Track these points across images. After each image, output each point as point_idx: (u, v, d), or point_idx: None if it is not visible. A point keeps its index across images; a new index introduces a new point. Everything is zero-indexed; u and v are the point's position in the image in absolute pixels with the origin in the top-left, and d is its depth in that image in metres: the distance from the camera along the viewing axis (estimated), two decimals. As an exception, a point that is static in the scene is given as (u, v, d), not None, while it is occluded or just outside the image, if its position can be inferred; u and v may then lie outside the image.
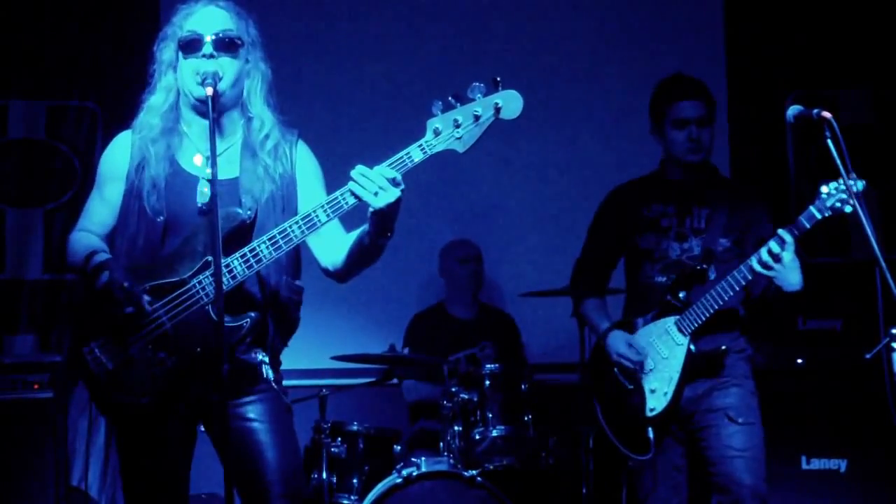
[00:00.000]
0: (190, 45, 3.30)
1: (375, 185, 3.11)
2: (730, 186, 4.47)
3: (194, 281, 3.20)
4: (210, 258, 3.18)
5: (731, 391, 4.20)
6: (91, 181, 3.53)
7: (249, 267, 3.20)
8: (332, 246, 3.40)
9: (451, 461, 4.87)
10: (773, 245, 3.94)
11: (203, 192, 3.29)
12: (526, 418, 5.06)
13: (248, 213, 3.29)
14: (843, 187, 3.81)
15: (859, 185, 3.58)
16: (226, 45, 3.30)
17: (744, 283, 4.05)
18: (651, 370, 4.24)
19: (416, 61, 6.35)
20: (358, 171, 3.13)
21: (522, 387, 5.11)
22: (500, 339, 5.79)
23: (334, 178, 3.35)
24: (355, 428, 5.04)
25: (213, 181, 3.10)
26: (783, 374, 5.24)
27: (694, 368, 4.19)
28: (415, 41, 6.43)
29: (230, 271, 3.17)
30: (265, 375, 3.35)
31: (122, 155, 3.40)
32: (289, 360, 3.47)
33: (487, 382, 5.08)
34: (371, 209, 3.15)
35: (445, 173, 5.86)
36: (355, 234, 3.31)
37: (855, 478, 5.16)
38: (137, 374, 3.20)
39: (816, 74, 6.35)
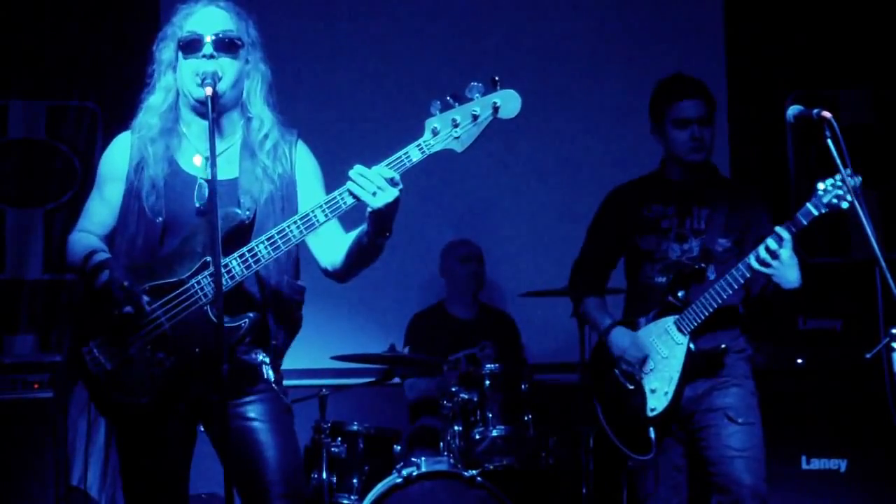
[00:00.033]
0: (190, 46, 3.30)
1: (374, 184, 3.11)
2: (730, 186, 4.47)
3: (193, 281, 3.20)
4: (209, 258, 3.18)
5: (730, 391, 4.20)
6: (91, 181, 3.53)
7: (248, 267, 3.20)
8: (331, 246, 3.40)
9: (451, 461, 4.87)
10: (771, 242, 3.95)
11: (201, 193, 3.29)
12: (526, 418, 5.06)
13: (247, 213, 3.29)
14: (839, 184, 3.82)
15: (856, 180, 3.58)
16: (226, 45, 3.30)
17: (742, 281, 4.05)
18: (651, 370, 4.24)
19: (416, 61, 6.35)
20: (356, 170, 3.14)
21: (522, 387, 5.11)
22: (500, 339, 5.79)
23: (333, 177, 3.35)
24: (355, 428, 5.04)
25: (212, 181, 3.10)
26: (783, 374, 5.24)
27: (694, 368, 4.19)
28: (414, 41, 6.43)
29: (228, 271, 3.17)
30: (265, 376, 3.35)
31: (122, 155, 3.40)
32: (289, 360, 3.47)
33: (487, 382, 5.08)
34: (369, 209, 3.15)
35: (445, 173, 5.86)
36: (354, 233, 3.31)
37: (855, 478, 5.16)
38: (136, 374, 3.20)
39: (816, 74, 6.36)
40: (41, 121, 6.13)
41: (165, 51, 3.37)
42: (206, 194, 3.25)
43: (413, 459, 4.83)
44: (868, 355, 3.39)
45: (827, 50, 6.33)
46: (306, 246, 3.40)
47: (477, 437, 4.99)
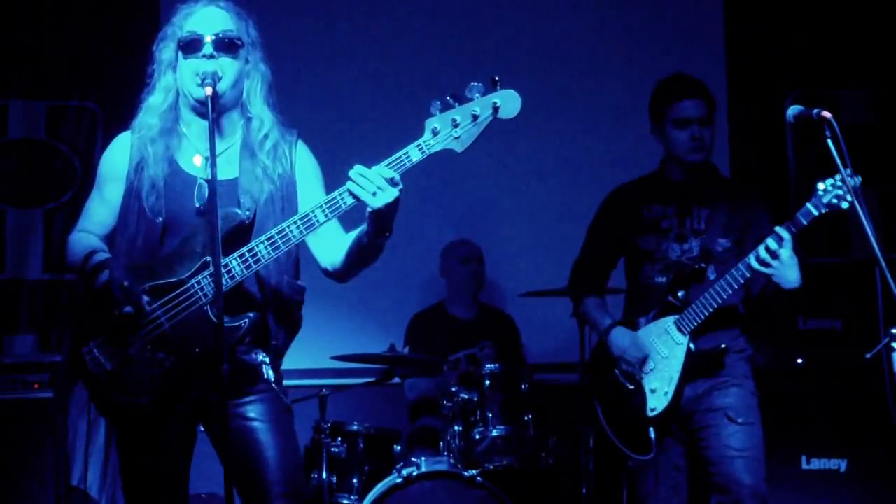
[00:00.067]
0: (190, 46, 3.30)
1: (374, 184, 3.11)
2: (730, 186, 4.47)
3: (193, 281, 3.20)
4: (208, 258, 3.18)
5: (730, 391, 4.20)
6: (91, 181, 3.53)
7: (248, 267, 3.20)
8: (331, 246, 3.40)
9: (451, 461, 4.87)
10: (771, 242, 3.95)
11: (201, 193, 3.29)
12: (526, 418, 5.06)
13: (247, 213, 3.28)
14: (839, 184, 3.82)
15: (856, 180, 3.58)
16: (226, 45, 3.30)
17: (742, 281, 4.05)
18: (651, 370, 4.24)
19: (416, 61, 6.35)
20: (356, 170, 3.13)
21: (522, 387, 5.11)
22: (500, 339, 5.79)
23: (333, 177, 3.35)
24: (355, 428, 5.04)
25: (212, 181, 3.10)
26: (783, 374, 5.24)
27: (694, 367, 4.19)
28: (414, 41, 6.43)
29: (228, 271, 3.17)
30: (265, 376, 3.35)
31: (122, 155, 3.40)
32: (289, 360, 3.47)
33: (487, 382, 5.08)
34: (369, 209, 3.15)
35: (445, 174, 5.86)
36: (354, 233, 3.31)
37: (855, 478, 5.16)
38: (136, 375, 3.20)
39: (816, 74, 6.36)
40: (41, 121, 6.13)
41: (165, 51, 3.37)
42: (206, 194, 3.25)
43: (413, 459, 4.84)
44: (868, 355, 3.39)
45: (827, 50, 6.33)
46: (306, 246, 3.39)
47: (477, 437, 4.99)
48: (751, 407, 4.20)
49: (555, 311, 5.56)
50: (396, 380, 5.60)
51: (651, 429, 4.21)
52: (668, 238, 4.31)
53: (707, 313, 4.13)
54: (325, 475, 4.89)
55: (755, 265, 3.99)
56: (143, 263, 3.26)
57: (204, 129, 3.28)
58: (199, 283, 3.20)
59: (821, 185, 3.89)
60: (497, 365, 5.16)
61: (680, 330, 4.19)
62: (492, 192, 6.42)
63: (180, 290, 3.20)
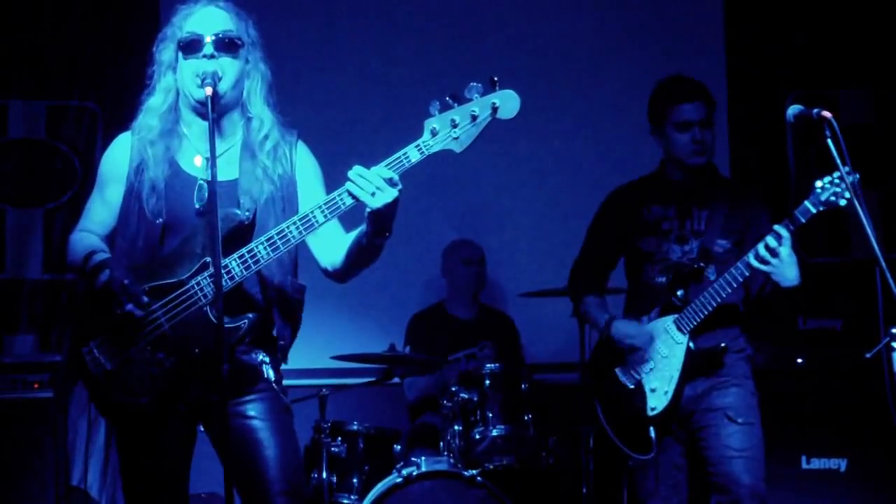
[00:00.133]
0: (190, 46, 3.30)
1: (372, 185, 3.11)
2: (730, 186, 4.46)
3: (192, 282, 3.20)
4: (208, 259, 3.18)
5: (730, 391, 4.20)
6: (91, 181, 3.53)
7: (247, 268, 3.20)
8: (331, 246, 3.40)
9: (451, 461, 4.87)
10: (771, 240, 3.95)
11: (201, 194, 3.29)
12: (526, 418, 5.06)
13: (247, 214, 3.28)
14: (837, 181, 3.82)
15: (854, 177, 3.57)
16: (226, 45, 3.30)
17: (741, 279, 4.06)
18: (652, 369, 4.24)
19: (416, 61, 6.35)
20: (355, 171, 3.13)
21: (522, 387, 5.11)
22: (500, 340, 5.79)
23: (333, 178, 3.35)
24: (355, 428, 5.04)
25: (212, 182, 3.10)
26: (783, 374, 5.25)
27: (693, 367, 4.19)
28: (414, 41, 6.43)
29: (228, 272, 3.17)
30: (265, 375, 3.35)
31: (122, 156, 3.40)
32: (289, 359, 3.48)
33: (487, 382, 5.08)
34: (368, 209, 3.15)
35: (446, 174, 5.85)
36: (354, 233, 3.31)
37: (855, 478, 5.16)
38: (136, 375, 3.20)
39: (816, 74, 6.36)
40: (41, 121, 6.13)
41: (165, 52, 3.36)
42: (207, 195, 3.25)
43: (413, 459, 4.84)
44: (868, 355, 3.39)
45: (827, 50, 6.33)
46: (306, 246, 3.40)
47: (477, 436, 4.99)
48: (750, 407, 4.20)
49: (555, 311, 5.55)
50: (396, 379, 5.60)
51: (651, 428, 4.21)
52: (669, 240, 4.31)
53: (706, 312, 4.13)
54: (325, 475, 4.89)
55: (754, 263, 3.99)
56: (143, 264, 3.26)
57: (204, 129, 3.28)
58: (198, 283, 3.20)
59: (818, 183, 3.89)
60: (497, 365, 5.16)
61: (679, 329, 4.19)
62: (492, 192, 6.42)
63: (180, 290, 3.20)
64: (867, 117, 6.32)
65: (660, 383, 4.23)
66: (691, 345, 4.19)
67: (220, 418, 3.08)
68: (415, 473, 4.73)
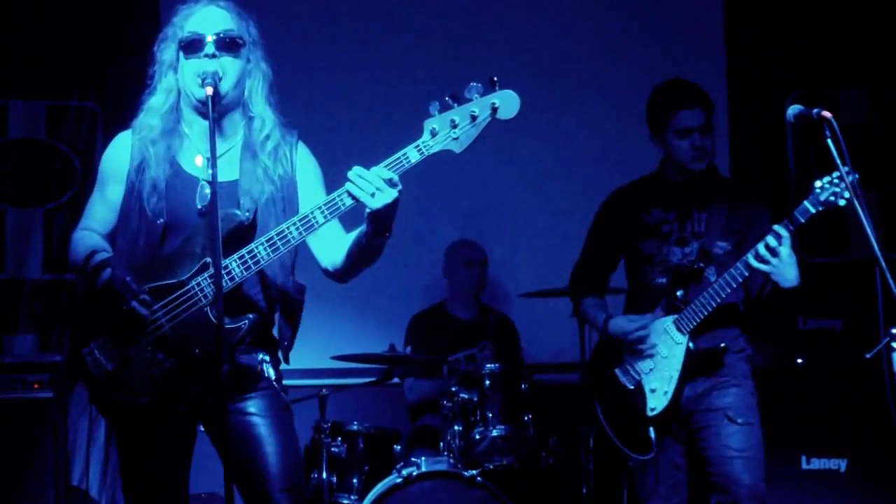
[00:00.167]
0: (191, 46, 3.30)
1: (372, 185, 3.11)
2: (730, 187, 4.46)
3: (193, 283, 3.20)
4: (208, 259, 3.18)
5: (730, 391, 4.20)
6: (91, 181, 3.53)
7: (247, 269, 3.20)
8: (331, 246, 3.40)
9: (451, 461, 4.87)
10: (770, 240, 3.95)
11: (202, 194, 3.29)
12: (526, 418, 5.06)
13: (247, 214, 3.28)
14: (836, 181, 3.82)
15: (853, 177, 3.57)
16: (227, 44, 3.30)
17: (741, 279, 4.06)
18: (651, 370, 4.24)
19: (416, 61, 6.35)
20: (355, 171, 3.14)
21: (522, 387, 5.11)
22: (500, 340, 5.79)
23: (333, 178, 3.35)
24: (355, 428, 5.05)
25: (213, 182, 3.10)
26: (783, 374, 5.25)
27: (693, 367, 4.19)
28: (414, 41, 6.43)
29: (228, 273, 3.17)
30: (266, 374, 3.35)
31: (122, 155, 3.39)
32: (290, 359, 3.48)
33: (487, 382, 5.08)
34: (368, 210, 3.15)
35: (446, 174, 5.84)
36: (354, 234, 3.31)
37: (855, 478, 5.16)
38: (136, 375, 3.20)
39: (816, 74, 6.36)
40: (41, 121, 6.13)
41: (166, 51, 3.36)
42: (207, 195, 3.25)
43: (413, 459, 4.84)
44: (868, 355, 3.39)
45: (827, 50, 6.33)
46: (307, 246, 3.40)
47: (477, 436, 4.99)
48: (750, 407, 4.20)
49: (555, 311, 5.56)
50: (396, 380, 5.60)
51: (651, 428, 4.22)
52: (669, 242, 4.31)
53: (706, 312, 4.13)
54: (325, 475, 4.89)
55: (754, 263, 3.99)
56: (143, 264, 3.26)
57: (205, 129, 3.27)
58: (198, 284, 3.20)
59: (818, 183, 3.89)
60: (497, 365, 5.16)
61: (679, 329, 4.19)
62: (492, 193, 6.42)
63: (180, 291, 3.20)
64: (867, 117, 6.32)
65: (659, 384, 4.23)
66: (691, 345, 4.19)
67: (220, 418, 3.07)
68: (415, 474, 4.73)
